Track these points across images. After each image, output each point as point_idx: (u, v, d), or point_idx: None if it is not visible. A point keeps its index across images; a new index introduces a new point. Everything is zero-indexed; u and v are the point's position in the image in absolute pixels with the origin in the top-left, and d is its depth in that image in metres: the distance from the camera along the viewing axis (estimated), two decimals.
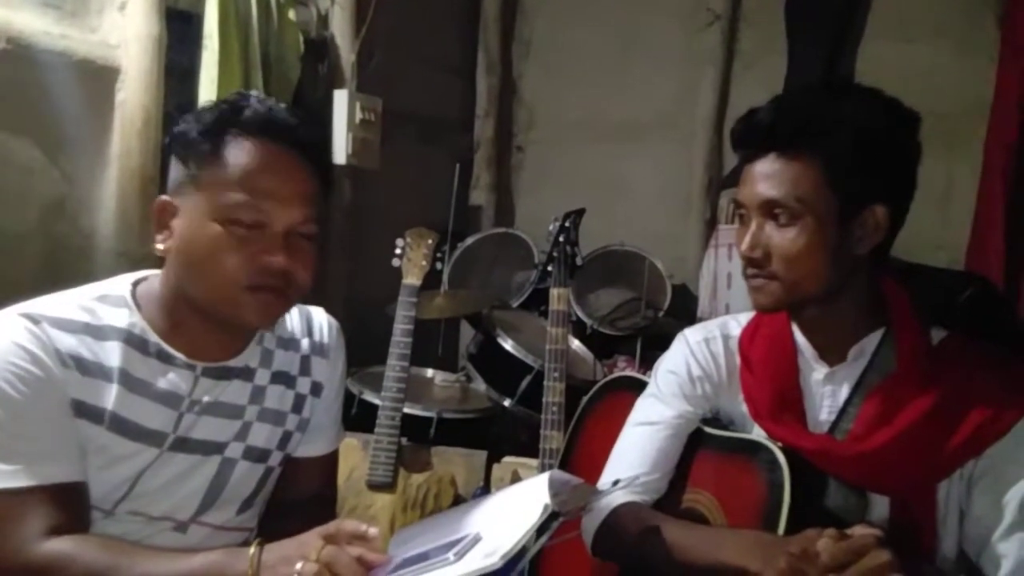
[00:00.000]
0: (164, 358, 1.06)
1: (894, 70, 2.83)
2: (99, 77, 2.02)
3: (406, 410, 2.16)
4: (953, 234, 2.78)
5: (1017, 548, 0.99)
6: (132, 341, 1.04)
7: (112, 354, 1.03)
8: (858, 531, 0.93)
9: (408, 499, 2.07)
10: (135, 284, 1.10)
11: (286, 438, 1.17)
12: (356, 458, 2.11)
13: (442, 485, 2.10)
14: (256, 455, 1.14)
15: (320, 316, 1.25)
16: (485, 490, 2.14)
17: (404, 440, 2.14)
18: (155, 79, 2.09)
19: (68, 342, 1.00)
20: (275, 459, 1.17)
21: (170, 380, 1.06)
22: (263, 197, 1.01)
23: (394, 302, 2.24)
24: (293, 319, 1.21)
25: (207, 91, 2.22)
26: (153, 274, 1.12)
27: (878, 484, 1.09)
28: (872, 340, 1.12)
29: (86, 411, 1.01)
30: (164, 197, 1.06)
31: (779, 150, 1.06)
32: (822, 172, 1.04)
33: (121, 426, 1.02)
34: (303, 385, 1.19)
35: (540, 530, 0.91)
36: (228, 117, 1.03)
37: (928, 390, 1.06)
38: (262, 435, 1.14)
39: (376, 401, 2.20)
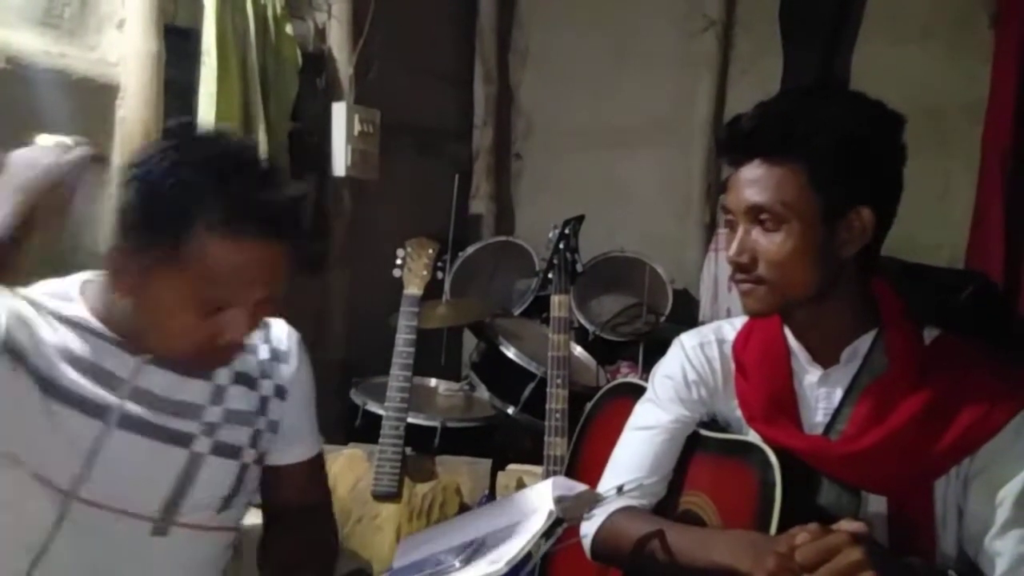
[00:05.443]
0: (108, 340, 1.07)
1: (889, 71, 2.84)
2: (99, 95, 2.04)
3: (410, 420, 2.16)
4: (952, 233, 2.78)
5: (1013, 545, 1.00)
6: (78, 327, 1.06)
7: (57, 333, 1.05)
8: (843, 525, 0.93)
9: (413, 508, 2.07)
10: (85, 282, 1.12)
11: (257, 436, 1.17)
12: (361, 468, 2.12)
13: (447, 494, 2.10)
14: (227, 451, 1.13)
15: (279, 326, 1.25)
16: (490, 498, 2.14)
17: (408, 450, 2.15)
18: (154, 96, 2.11)
19: (14, 320, 1.02)
20: (249, 456, 1.16)
21: (113, 360, 1.06)
22: (231, 288, 1.00)
23: (396, 312, 2.24)
24: None
25: (206, 106, 2.24)
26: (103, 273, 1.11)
27: (871, 483, 1.10)
28: (865, 341, 1.12)
29: (25, 363, 1.01)
30: (119, 248, 1.01)
31: (763, 156, 1.07)
32: (806, 176, 1.04)
33: (62, 393, 1.03)
34: (266, 388, 1.19)
35: (545, 536, 0.91)
36: (194, 203, 0.96)
37: (920, 389, 1.06)
38: (231, 434, 1.14)
39: (380, 411, 2.20)
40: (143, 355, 1.08)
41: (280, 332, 1.24)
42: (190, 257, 0.97)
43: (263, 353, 1.21)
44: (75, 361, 1.05)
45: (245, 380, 1.17)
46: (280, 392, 1.21)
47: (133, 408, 1.07)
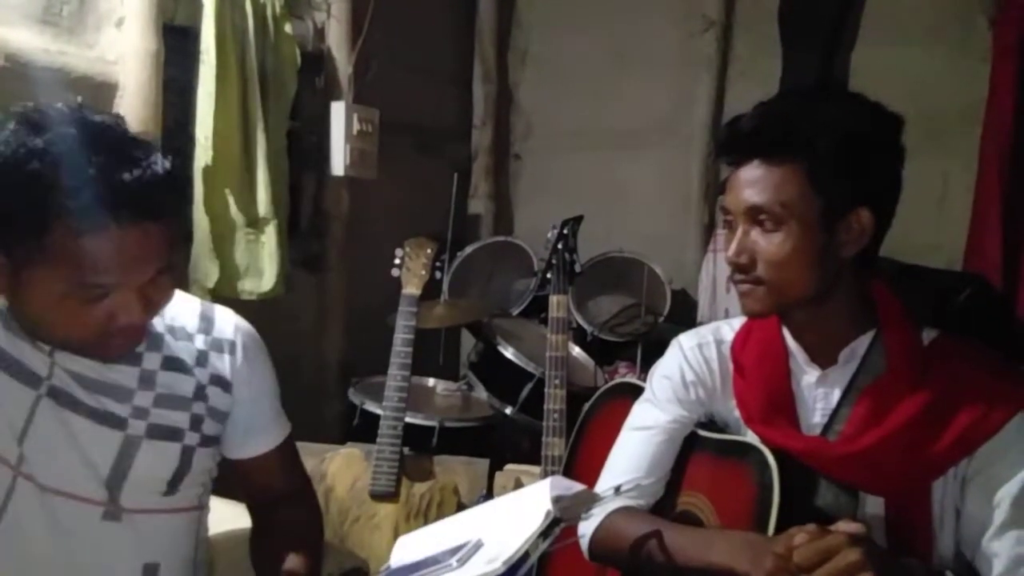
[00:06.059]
0: (18, 335, 1.04)
1: (888, 73, 2.84)
2: (98, 93, 2.03)
3: (408, 419, 2.16)
4: (950, 235, 2.79)
5: (1010, 546, 1.00)
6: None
7: None
8: (841, 526, 0.93)
9: (411, 508, 2.07)
10: None
11: (197, 420, 1.15)
12: (359, 468, 2.12)
13: (445, 494, 2.10)
14: (164, 434, 1.11)
15: (224, 316, 1.22)
16: (488, 498, 2.13)
17: (406, 449, 2.15)
18: (153, 94, 2.10)
19: None
20: (192, 439, 1.13)
21: (28, 356, 1.04)
22: (105, 275, 0.96)
23: (394, 312, 2.24)
24: (183, 314, 1.19)
25: (205, 105, 2.24)
26: None
27: (869, 484, 1.10)
28: (863, 342, 1.12)
29: None
30: None
31: (763, 156, 1.07)
32: (806, 177, 1.04)
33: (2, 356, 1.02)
34: (202, 375, 1.17)
35: (543, 536, 0.91)
36: (48, 196, 0.91)
37: (918, 390, 1.06)
38: (166, 417, 1.12)
39: (378, 411, 2.20)
40: (49, 347, 1.05)
41: (224, 324, 1.21)
42: (55, 251, 0.93)
43: (200, 343, 1.18)
44: (9, 335, 1.03)
45: (178, 366, 1.14)
46: (221, 382, 1.18)
47: (62, 383, 1.05)
